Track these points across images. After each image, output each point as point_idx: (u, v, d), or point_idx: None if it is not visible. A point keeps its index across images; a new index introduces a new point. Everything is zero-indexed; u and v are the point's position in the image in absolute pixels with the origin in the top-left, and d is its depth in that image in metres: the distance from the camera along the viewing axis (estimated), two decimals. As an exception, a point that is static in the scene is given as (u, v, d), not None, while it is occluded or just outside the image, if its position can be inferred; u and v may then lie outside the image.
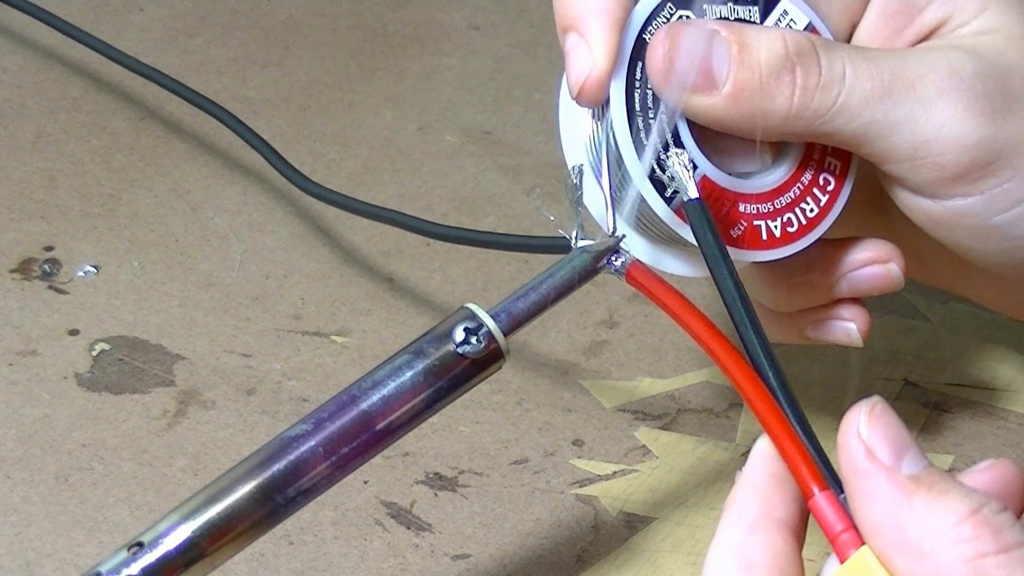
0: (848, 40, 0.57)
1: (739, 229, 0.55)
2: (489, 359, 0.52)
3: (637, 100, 0.54)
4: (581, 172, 0.54)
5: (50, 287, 0.73)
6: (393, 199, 0.78)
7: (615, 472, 0.64)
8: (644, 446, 0.66)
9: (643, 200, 0.54)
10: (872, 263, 0.58)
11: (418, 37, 0.90)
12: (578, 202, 0.54)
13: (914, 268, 0.61)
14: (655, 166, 0.54)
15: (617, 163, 0.54)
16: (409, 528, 0.62)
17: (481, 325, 0.52)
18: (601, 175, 0.55)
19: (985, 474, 0.46)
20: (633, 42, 0.54)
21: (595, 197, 0.56)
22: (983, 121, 0.54)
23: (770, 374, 0.49)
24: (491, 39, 0.90)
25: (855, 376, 0.69)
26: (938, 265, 0.60)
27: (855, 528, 0.45)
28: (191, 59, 0.85)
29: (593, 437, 0.66)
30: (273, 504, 0.50)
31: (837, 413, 0.46)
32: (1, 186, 0.79)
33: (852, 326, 0.59)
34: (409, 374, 0.52)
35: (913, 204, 0.56)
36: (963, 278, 0.61)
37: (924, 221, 0.57)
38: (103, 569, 0.48)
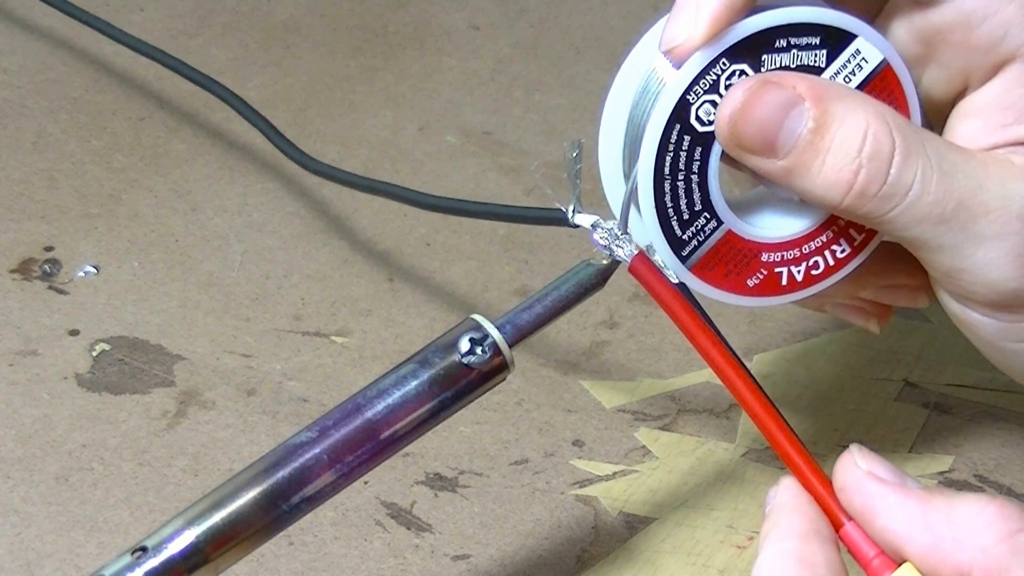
0: (954, 101, 0.55)
1: (757, 279, 0.55)
2: (494, 370, 0.53)
3: (668, 164, 0.54)
4: (580, 147, 0.55)
5: (50, 287, 0.73)
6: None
7: (615, 472, 0.64)
8: (644, 446, 0.66)
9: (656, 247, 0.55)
10: (903, 286, 0.59)
11: (418, 37, 0.90)
12: (576, 176, 0.55)
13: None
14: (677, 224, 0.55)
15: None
16: (409, 528, 0.62)
17: (486, 336, 0.53)
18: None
19: None
20: (675, 102, 0.53)
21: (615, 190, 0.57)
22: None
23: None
24: (491, 39, 0.90)
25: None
26: None
27: (885, 553, 0.47)
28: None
29: (593, 437, 0.66)
30: (277, 511, 0.50)
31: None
32: (1, 186, 0.79)
33: (873, 320, 0.60)
34: (414, 383, 0.52)
35: (941, 296, 0.56)
36: None
37: (949, 314, 0.57)
38: (107, 573, 0.48)
